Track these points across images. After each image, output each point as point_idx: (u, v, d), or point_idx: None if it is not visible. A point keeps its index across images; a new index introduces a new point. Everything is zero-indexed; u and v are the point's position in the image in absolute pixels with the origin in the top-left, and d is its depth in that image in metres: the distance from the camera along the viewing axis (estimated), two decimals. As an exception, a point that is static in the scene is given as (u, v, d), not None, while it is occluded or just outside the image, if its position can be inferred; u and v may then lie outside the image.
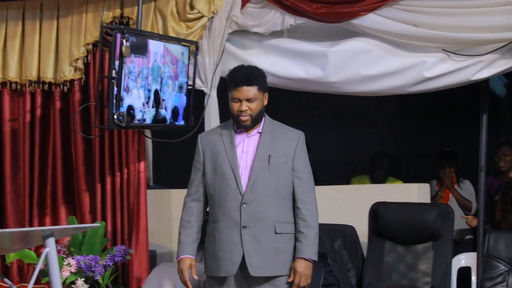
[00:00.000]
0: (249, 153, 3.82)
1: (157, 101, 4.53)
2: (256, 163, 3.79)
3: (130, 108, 4.34)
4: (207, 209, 3.93)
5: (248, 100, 3.77)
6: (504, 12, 4.24)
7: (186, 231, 3.89)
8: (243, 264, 3.77)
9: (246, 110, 3.77)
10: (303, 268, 3.75)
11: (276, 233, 3.77)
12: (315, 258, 3.80)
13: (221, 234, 3.81)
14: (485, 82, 4.68)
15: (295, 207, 3.82)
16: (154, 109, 4.50)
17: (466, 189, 5.97)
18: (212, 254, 3.85)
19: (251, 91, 3.77)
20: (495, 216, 5.57)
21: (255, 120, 3.81)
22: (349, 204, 5.26)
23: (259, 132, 3.85)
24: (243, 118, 3.78)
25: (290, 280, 3.76)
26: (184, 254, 3.86)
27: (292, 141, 3.83)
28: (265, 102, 3.85)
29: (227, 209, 3.79)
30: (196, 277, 3.87)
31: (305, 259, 3.76)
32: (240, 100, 3.78)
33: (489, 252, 4.65)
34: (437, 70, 4.48)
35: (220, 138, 3.87)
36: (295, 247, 3.80)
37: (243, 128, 3.84)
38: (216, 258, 3.82)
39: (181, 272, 3.85)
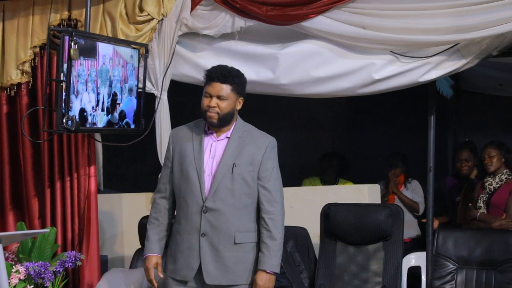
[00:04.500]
0: (215, 159, 3.79)
1: (113, 104, 4.49)
2: (219, 171, 3.75)
3: (82, 111, 4.29)
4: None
5: (218, 97, 3.74)
6: (450, 15, 4.31)
7: (153, 228, 3.90)
8: (201, 271, 3.76)
9: (214, 107, 3.74)
10: (263, 281, 3.72)
11: (235, 243, 3.75)
12: (277, 270, 3.77)
13: (182, 237, 3.80)
14: (432, 83, 4.76)
15: (259, 217, 3.78)
16: (104, 113, 4.46)
17: (414, 189, 6.03)
18: (172, 255, 3.85)
19: (224, 88, 3.74)
20: (457, 217, 5.65)
21: (222, 120, 3.77)
22: (301, 206, 5.28)
23: (227, 137, 3.82)
24: (209, 114, 3.75)
25: None
26: (150, 252, 3.87)
27: (260, 149, 3.79)
28: (238, 107, 3.82)
29: (189, 213, 3.78)
30: (162, 276, 3.87)
31: (265, 271, 3.73)
32: (211, 96, 3.75)
33: (438, 251, 4.73)
34: (385, 72, 4.53)
35: (190, 137, 3.84)
36: (257, 255, 3.76)
37: (210, 125, 3.80)
38: (175, 260, 3.82)
39: (146, 271, 3.86)
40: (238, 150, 3.78)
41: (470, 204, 5.33)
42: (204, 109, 3.77)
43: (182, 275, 3.79)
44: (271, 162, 3.80)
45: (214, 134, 3.83)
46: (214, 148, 3.81)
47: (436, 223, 5.59)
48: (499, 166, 5.26)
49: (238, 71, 3.86)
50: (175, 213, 3.90)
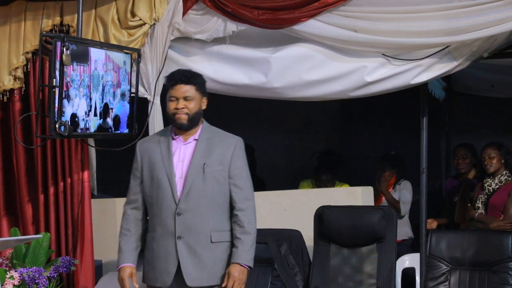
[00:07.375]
0: (185, 162, 3.81)
1: (106, 110, 4.49)
2: (190, 172, 3.77)
3: (74, 116, 4.29)
4: (147, 217, 3.91)
5: (185, 98, 3.77)
6: (441, 17, 4.33)
7: (125, 239, 3.88)
8: (179, 274, 3.76)
9: (183, 108, 3.76)
10: (238, 272, 3.73)
11: (212, 242, 3.76)
12: (251, 264, 3.79)
13: (158, 243, 3.80)
14: (424, 85, 4.78)
15: (232, 214, 3.81)
16: (97, 118, 4.46)
17: (400, 190, 6.03)
18: (150, 263, 3.84)
19: (188, 89, 3.77)
20: (455, 217, 5.67)
21: (192, 120, 3.79)
22: (295, 209, 5.29)
23: (195, 139, 3.84)
24: (178, 116, 3.76)
25: (223, 285, 3.75)
26: (124, 262, 3.85)
27: (228, 148, 3.82)
28: (204, 107, 3.84)
29: (163, 218, 3.78)
30: (137, 286, 3.85)
31: (240, 264, 3.75)
32: (177, 99, 3.77)
33: (431, 253, 4.74)
34: (377, 75, 4.55)
35: (158, 145, 3.85)
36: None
37: (179, 128, 3.81)
38: (153, 267, 3.82)
39: (121, 281, 3.83)
40: (207, 151, 3.80)
41: (469, 205, 5.34)
42: (172, 113, 3.79)
43: (161, 281, 3.80)
44: (241, 160, 3.84)
45: (182, 138, 3.85)
46: (183, 151, 3.83)
47: (434, 224, 5.61)
48: (499, 167, 5.26)
49: (197, 72, 3.91)
50: (148, 222, 3.89)
